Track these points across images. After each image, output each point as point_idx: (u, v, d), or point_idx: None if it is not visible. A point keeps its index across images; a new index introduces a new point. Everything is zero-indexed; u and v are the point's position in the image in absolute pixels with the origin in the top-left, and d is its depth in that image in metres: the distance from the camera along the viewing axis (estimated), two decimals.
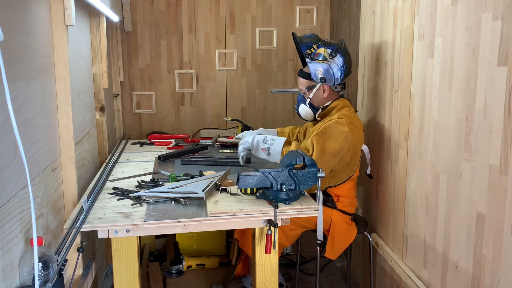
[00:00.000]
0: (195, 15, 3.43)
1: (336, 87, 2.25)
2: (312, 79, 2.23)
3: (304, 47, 2.21)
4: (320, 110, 2.28)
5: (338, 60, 2.18)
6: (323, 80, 2.20)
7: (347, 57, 2.21)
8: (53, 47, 1.61)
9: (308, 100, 2.27)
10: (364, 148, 2.30)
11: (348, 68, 2.23)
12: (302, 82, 2.28)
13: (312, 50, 2.19)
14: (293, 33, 2.33)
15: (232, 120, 3.14)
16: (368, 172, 2.39)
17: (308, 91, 2.26)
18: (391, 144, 2.21)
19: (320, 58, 2.17)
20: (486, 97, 1.42)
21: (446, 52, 1.67)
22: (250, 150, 2.24)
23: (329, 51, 2.17)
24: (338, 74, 2.19)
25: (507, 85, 1.31)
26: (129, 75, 3.43)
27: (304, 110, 2.29)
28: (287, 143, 2.15)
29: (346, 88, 3.11)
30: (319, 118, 2.29)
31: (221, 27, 3.48)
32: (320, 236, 2.23)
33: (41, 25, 1.50)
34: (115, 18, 2.72)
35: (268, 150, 2.17)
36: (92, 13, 2.39)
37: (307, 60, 2.20)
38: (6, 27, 1.16)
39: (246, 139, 2.24)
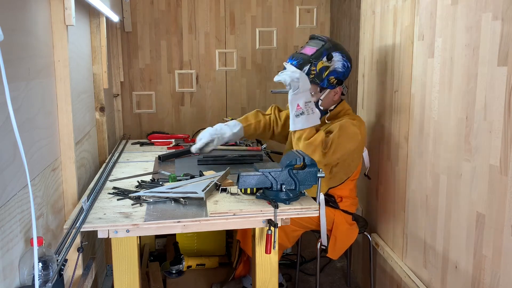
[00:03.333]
0: (195, 15, 3.44)
1: (344, 92, 2.22)
2: (328, 87, 2.13)
3: (309, 78, 2.05)
4: (328, 113, 2.21)
5: (337, 57, 2.10)
6: (339, 83, 2.15)
7: (337, 46, 2.12)
8: (53, 47, 1.61)
9: (320, 102, 2.16)
10: (364, 150, 2.30)
11: (347, 54, 2.15)
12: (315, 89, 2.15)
13: (313, 72, 2.05)
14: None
15: (232, 120, 3.14)
16: (366, 173, 2.39)
17: (320, 92, 2.15)
18: (391, 144, 2.21)
19: (324, 71, 2.08)
20: (486, 97, 1.42)
21: (446, 52, 1.67)
22: (291, 87, 2.00)
23: (324, 59, 2.06)
24: (345, 66, 2.12)
25: (507, 85, 1.31)
26: (129, 75, 3.43)
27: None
28: (314, 128, 2.04)
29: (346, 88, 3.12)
30: (328, 121, 2.20)
31: (221, 27, 3.48)
32: (324, 241, 2.22)
33: (41, 25, 1.50)
34: (115, 18, 2.72)
35: (301, 114, 2.01)
36: (92, 13, 2.39)
37: (319, 83, 2.10)
38: (6, 27, 1.15)
39: (301, 77, 1.99)
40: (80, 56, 2.14)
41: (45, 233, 1.47)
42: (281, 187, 1.71)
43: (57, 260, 1.32)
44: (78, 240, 1.61)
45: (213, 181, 1.86)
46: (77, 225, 1.50)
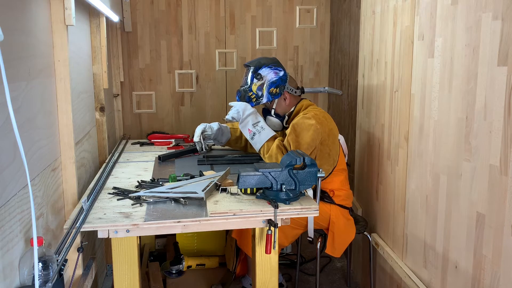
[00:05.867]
0: (195, 15, 3.44)
1: (295, 92, 2.34)
2: (275, 97, 2.31)
3: (252, 103, 2.30)
4: (286, 118, 2.35)
5: (264, 71, 2.27)
6: (282, 89, 2.29)
7: (261, 62, 2.30)
8: (53, 47, 1.61)
9: (273, 111, 2.35)
10: (340, 137, 2.32)
11: (273, 61, 2.31)
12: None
13: (252, 97, 2.29)
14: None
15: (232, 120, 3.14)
16: (346, 161, 2.41)
17: (270, 103, 2.34)
18: (391, 144, 2.21)
19: (262, 88, 2.27)
20: (486, 97, 1.42)
21: (446, 52, 1.67)
22: (237, 120, 2.27)
23: (255, 81, 2.27)
24: (277, 72, 2.27)
25: (507, 85, 1.31)
26: (129, 75, 3.43)
27: (272, 121, 2.36)
28: (272, 138, 2.22)
29: (346, 88, 3.12)
30: (287, 125, 2.34)
31: (221, 27, 3.48)
32: (311, 233, 2.27)
33: (41, 25, 1.50)
34: (115, 18, 2.72)
35: (253, 135, 2.24)
36: (92, 13, 2.39)
37: (265, 100, 2.29)
38: (6, 27, 1.16)
39: (240, 108, 2.26)
40: (80, 56, 2.14)
41: (45, 233, 1.47)
42: (281, 187, 1.71)
43: (57, 260, 1.32)
44: (78, 240, 1.61)
45: (213, 181, 1.86)
46: (77, 225, 1.50)
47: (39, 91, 1.45)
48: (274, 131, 2.34)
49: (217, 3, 3.44)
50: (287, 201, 1.70)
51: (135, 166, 2.36)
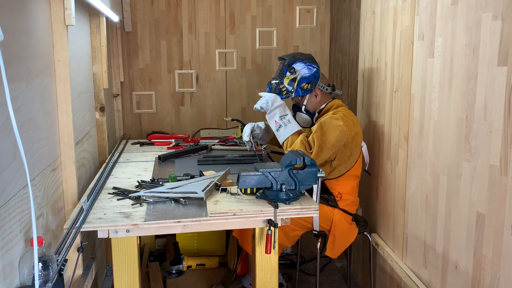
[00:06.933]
0: (195, 15, 3.43)
1: (326, 89, 2.33)
2: (305, 93, 2.31)
3: (282, 95, 2.30)
4: (316, 115, 2.35)
5: (298, 66, 2.26)
6: (313, 85, 2.29)
7: (296, 57, 2.29)
8: (53, 47, 1.61)
9: (303, 107, 2.35)
10: (363, 144, 2.32)
11: (309, 57, 2.31)
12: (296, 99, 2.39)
13: (283, 89, 2.28)
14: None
15: (232, 120, 3.14)
16: (366, 168, 2.40)
17: (301, 99, 2.35)
18: (391, 144, 2.21)
19: (293, 83, 2.27)
20: (486, 97, 1.42)
21: (446, 52, 1.67)
22: (265, 110, 2.26)
23: (288, 74, 2.26)
24: (311, 68, 2.27)
25: (507, 85, 1.31)
26: (129, 75, 3.43)
27: (302, 117, 2.36)
28: (297, 133, 2.21)
29: (346, 88, 3.12)
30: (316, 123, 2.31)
31: (221, 27, 3.48)
32: (316, 227, 2.26)
33: (41, 25, 1.50)
34: (115, 18, 2.72)
35: (279, 127, 2.23)
36: (92, 13, 2.39)
37: (295, 94, 2.30)
38: (6, 27, 1.16)
39: (269, 98, 2.26)
40: (80, 56, 2.14)
41: (45, 233, 1.47)
42: (281, 187, 1.71)
43: (57, 260, 1.32)
44: (78, 240, 1.61)
45: (213, 181, 1.86)
46: (77, 225, 1.49)
47: (39, 91, 1.44)
48: (303, 127, 2.34)
49: (217, 3, 3.44)
50: (287, 201, 1.70)
51: (135, 166, 2.36)
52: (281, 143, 2.26)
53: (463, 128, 1.55)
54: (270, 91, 2.31)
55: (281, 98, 2.28)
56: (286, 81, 2.27)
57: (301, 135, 2.18)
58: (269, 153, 2.72)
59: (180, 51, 3.46)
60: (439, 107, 1.72)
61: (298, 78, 2.26)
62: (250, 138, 2.38)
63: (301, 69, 2.26)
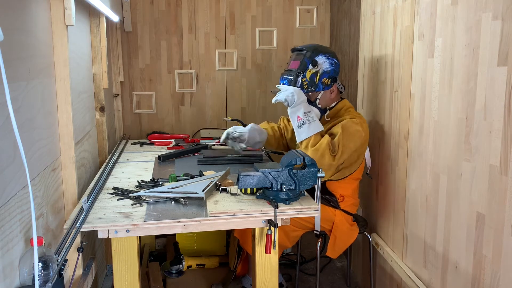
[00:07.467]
0: (195, 15, 3.43)
1: (342, 87, 2.29)
2: (325, 88, 2.23)
3: (303, 89, 2.18)
4: (327, 112, 2.30)
5: (321, 59, 2.18)
6: (333, 80, 2.23)
7: (318, 50, 2.20)
8: (53, 47, 1.61)
9: (317, 101, 2.24)
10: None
11: (331, 52, 2.24)
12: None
13: (305, 83, 2.17)
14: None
15: (232, 120, 3.14)
16: (367, 172, 2.39)
17: (314, 93, 2.24)
18: (391, 144, 2.21)
19: (315, 77, 2.18)
20: (486, 97, 1.42)
21: (446, 52, 1.67)
22: (289, 103, 2.15)
23: (310, 67, 2.16)
24: (332, 63, 2.21)
25: (507, 85, 1.31)
26: (129, 75, 3.43)
27: (315, 112, 2.22)
28: (319, 134, 2.12)
29: (346, 88, 3.12)
30: (328, 119, 2.28)
31: (221, 27, 3.48)
32: (317, 227, 2.25)
33: (41, 25, 1.50)
34: (115, 18, 2.72)
35: (303, 124, 2.12)
36: (92, 13, 2.39)
37: (315, 89, 2.21)
38: (6, 27, 1.15)
39: (295, 91, 2.13)
40: (80, 56, 2.14)
41: (45, 233, 1.47)
42: (281, 187, 1.71)
43: (57, 260, 1.32)
44: (78, 240, 1.61)
45: (213, 181, 1.86)
46: (77, 225, 1.49)
47: (39, 91, 1.44)
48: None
49: (217, 3, 3.44)
50: (287, 201, 1.70)
51: (135, 166, 2.36)
52: (299, 140, 2.14)
53: (463, 128, 1.55)
54: (289, 85, 2.18)
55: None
56: (308, 74, 2.16)
57: (326, 136, 2.09)
58: (269, 153, 2.72)
59: (180, 51, 3.46)
60: (439, 107, 1.72)
61: (320, 72, 2.17)
62: (228, 141, 2.38)
63: (323, 62, 2.18)
